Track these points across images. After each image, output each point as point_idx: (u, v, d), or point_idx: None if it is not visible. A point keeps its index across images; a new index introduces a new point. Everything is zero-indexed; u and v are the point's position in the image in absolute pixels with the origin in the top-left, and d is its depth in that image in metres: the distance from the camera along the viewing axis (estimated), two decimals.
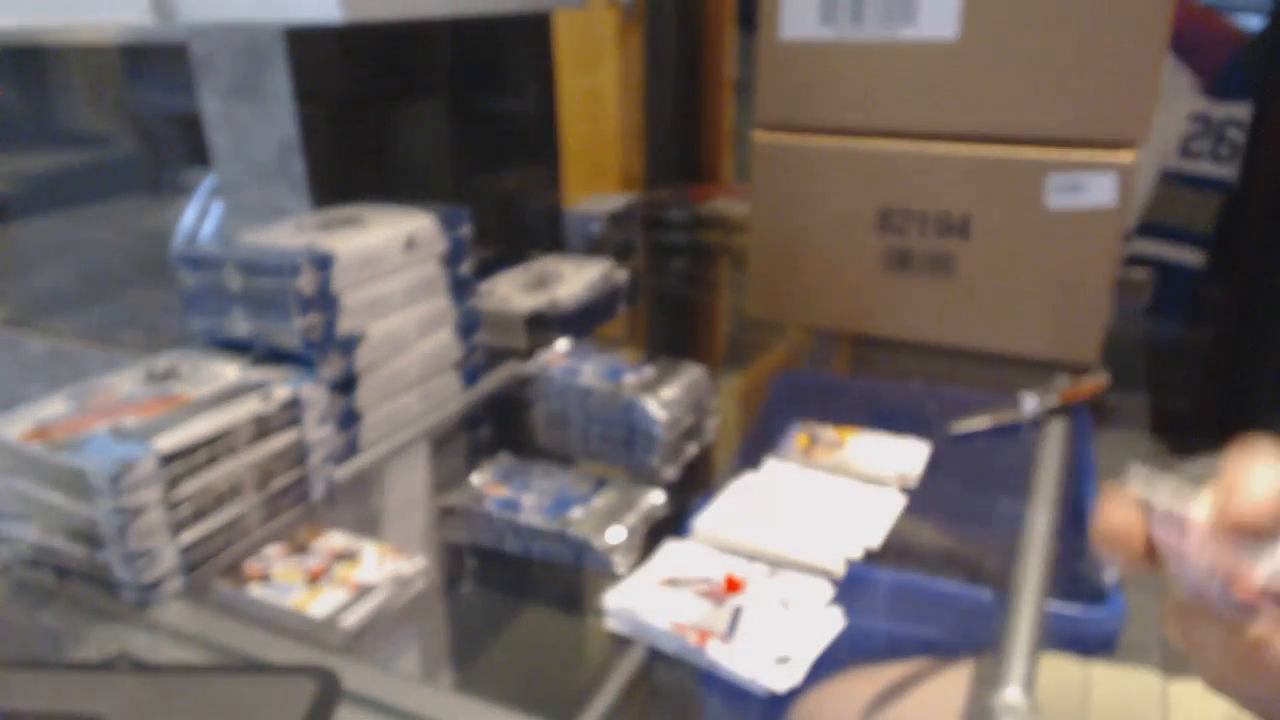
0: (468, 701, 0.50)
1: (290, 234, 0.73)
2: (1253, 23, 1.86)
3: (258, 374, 0.66)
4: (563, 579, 0.61)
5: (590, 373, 0.73)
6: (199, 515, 0.58)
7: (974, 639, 0.54)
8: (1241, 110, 1.71)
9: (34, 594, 0.59)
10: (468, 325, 0.84)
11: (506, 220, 1.18)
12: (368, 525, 0.70)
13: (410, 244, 0.75)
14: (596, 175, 1.36)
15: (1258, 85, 1.69)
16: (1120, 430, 0.80)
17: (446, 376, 0.83)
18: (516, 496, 0.64)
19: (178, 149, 1.18)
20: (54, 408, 0.60)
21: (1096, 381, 0.80)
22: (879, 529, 0.62)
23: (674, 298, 1.22)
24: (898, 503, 0.65)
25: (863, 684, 0.52)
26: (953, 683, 0.52)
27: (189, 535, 0.57)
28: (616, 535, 0.60)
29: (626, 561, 0.60)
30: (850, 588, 0.57)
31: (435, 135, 1.04)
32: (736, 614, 0.54)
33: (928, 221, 0.88)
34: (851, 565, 0.59)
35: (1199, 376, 1.76)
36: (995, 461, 0.75)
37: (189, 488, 0.57)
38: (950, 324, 0.91)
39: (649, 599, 0.55)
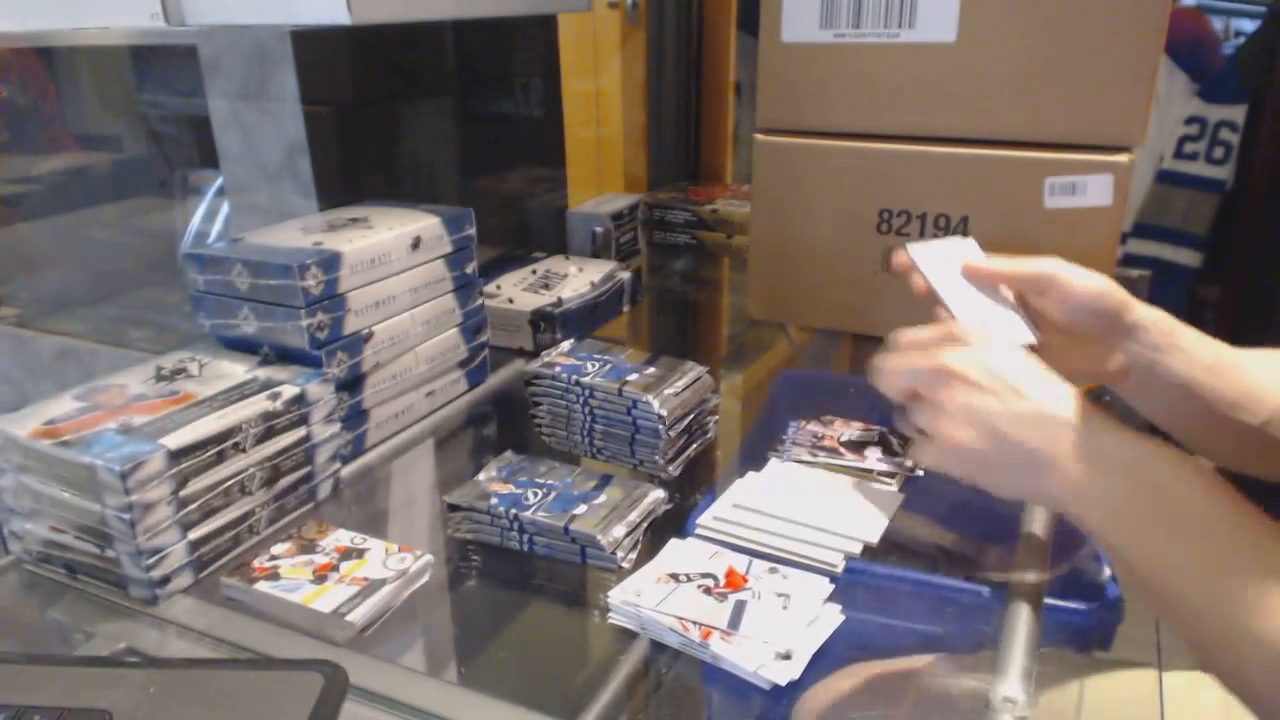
0: (473, 696, 0.51)
1: (297, 234, 0.73)
2: (1246, 26, 1.87)
3: (265, 373, 0.66)
4: (567, 575, 0.62)
5: (594, 371, 0.74)
6: (207, 512, 0.59)
7: (972, 635, 0.55)
8: (1236, 112, 1.72)
9: (44, 590, 0.60)
10: (473, 325, 0.85)
11: (511, 221, 1.18)
12: (374, 522, 0.70)
13: (416, 244, 0.76)
14: (600, 176, 1.37)
15: (1252, 88, 1.70)
16: None
17: (452, 375, 0.84)
18: (521, 493, 0.65)
19: (186, 150, 1.19)
20: (64, 406, 0.60)
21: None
22: (878, 526, 0.62)
23: (676, 297, 1.22)
24: (896, 500, 0.66)
25: (863, 680, 0.53)
26: (952, 678, 0.53)
27: (197, 532, 0.58)
28: (620, 532, 0.61)
29: (630, 557, 0.61)
30: (850, 584, 0.58)
31: (441, 137, 1.05)
32: (738, 609, 0.54)
33: (927, 222, 0.89)
34: (851, 561, 0.60)
35: None
36: None
37: (197, 485, 0.57)
38: None
39: (652, 594, 0.56)
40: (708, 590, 0.56)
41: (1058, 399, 0.49)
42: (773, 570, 0.58)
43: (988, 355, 0.52)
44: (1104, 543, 0.48)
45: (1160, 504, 0.46)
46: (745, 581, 0.57)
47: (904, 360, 0.55)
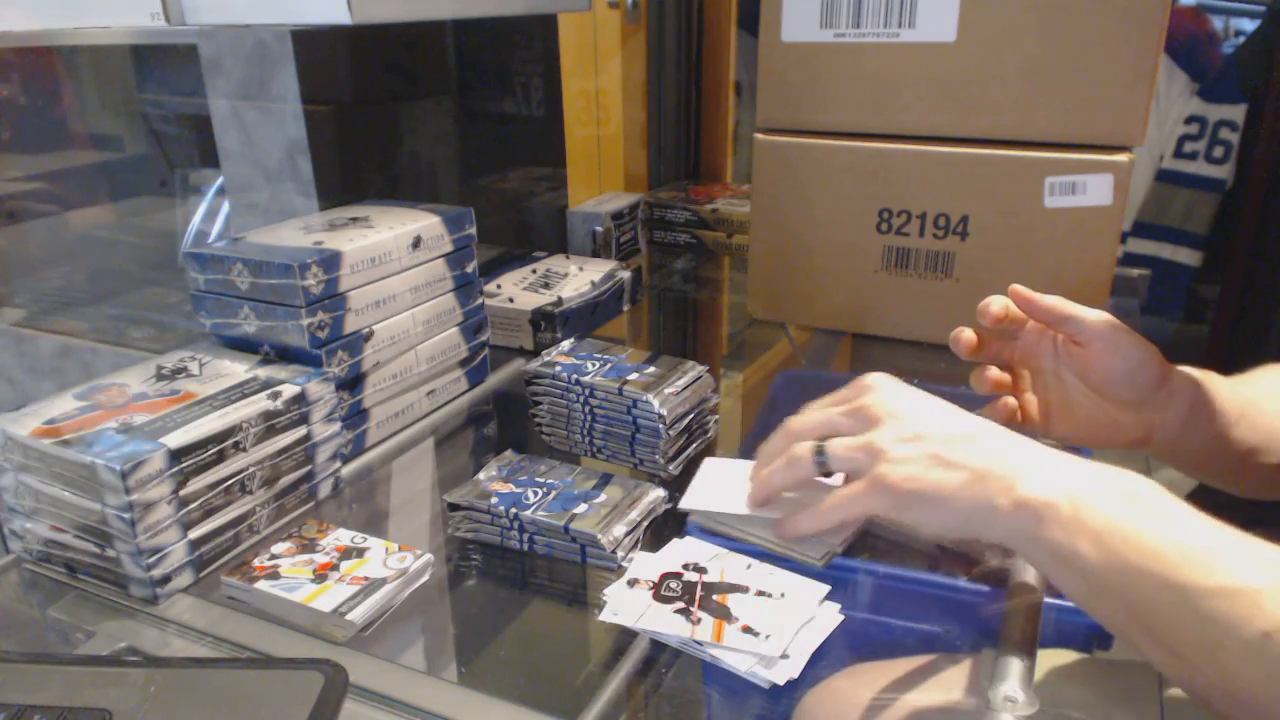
0: (473, 695, 0.51)
1: (298, 233, 0.73)
2: (1246, 25, 1.87)
3: (266, 372, 0.66)
4: (567, 574, 0.62)
5: (594, 371, 0.74)
6: (207, 512, 0.59)
7: (973, 634, 0.55)
8: (1235, 112, 1.72)
9: (44, 589, 0.60)
10: (473, 324, 0.85)
11: (512, 220, 1.19)
12: (374, 522, 0.71)
13: (417, 243, 0.76)
14: (600, 175, 1.37)
15: (1252, 87, 1.70)
16: None
17: (452, 374, 0.84)
18: (521, 493, 0.65)
19: (187, 149, 1.19)
20: (64, 405, 0.60)
21: None
22: (877, 524, 0.62)
23: (676, 297, 1.22)
24: None
25: (863, 680, 0.53)
26: (953, 678, 0.53)
27: (197, 531, 0.58)
28: (620, 531, 0.61)
29: (630, 557, 0.61)
30: (849, 583, 0.58)
31: (441, 136, 1.05)
32: (738, 608, 0.54)
33: (927, 222, 0.89)
34: (851, 560, 0.59)
35: None
36: None
37: (198, 484, 0.57)
38: (949, 323, 0.91)
39: (652, 594, 0.56)
40: (707, 589, 0.56)
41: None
42: (772, 570, 0.58)
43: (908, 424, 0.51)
44: (1072, 561, 0.44)
45: (1125, 499, 0.43)
46: (744, 581, 0.57)
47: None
